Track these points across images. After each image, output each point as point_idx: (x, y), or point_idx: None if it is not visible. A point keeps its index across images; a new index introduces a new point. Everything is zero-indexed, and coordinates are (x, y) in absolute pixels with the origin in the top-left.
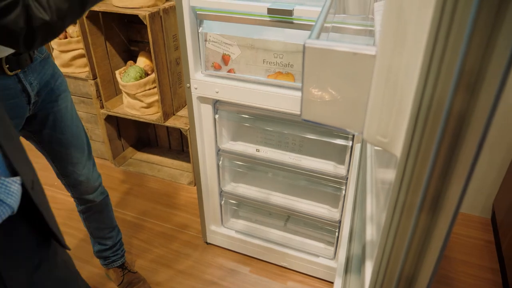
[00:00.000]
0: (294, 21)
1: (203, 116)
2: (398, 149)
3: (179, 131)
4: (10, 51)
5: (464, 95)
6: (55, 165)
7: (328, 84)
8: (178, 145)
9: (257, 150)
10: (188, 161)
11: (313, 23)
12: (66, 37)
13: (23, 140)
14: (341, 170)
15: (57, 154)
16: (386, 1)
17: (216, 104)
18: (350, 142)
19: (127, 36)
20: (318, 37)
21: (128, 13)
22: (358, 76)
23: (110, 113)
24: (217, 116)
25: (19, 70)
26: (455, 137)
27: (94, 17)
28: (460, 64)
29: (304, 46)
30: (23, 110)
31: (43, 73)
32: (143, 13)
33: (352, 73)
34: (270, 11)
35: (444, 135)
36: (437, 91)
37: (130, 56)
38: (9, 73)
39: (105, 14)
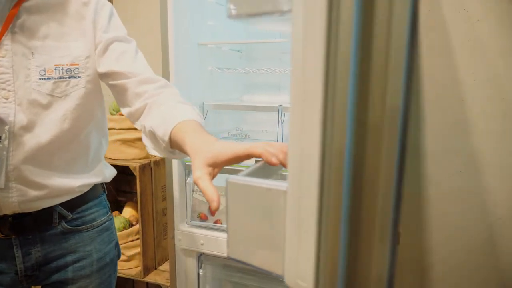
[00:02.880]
0: None
1: (187, 271)
2: None
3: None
4: (7, 210)
5: None
6: None
7: (250, 220)
8: None
9: None
10: None
11: None
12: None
13: None
14: None
15: None
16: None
17: (201, 258)
18: None
19: (116, 186)
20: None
21: (120, 164)
22: (275, 213)
23: None
24: (201, 271)
25: (13, 236)
26: None
27: None
28: None
29: (226, 182)
30: (9, 280)
31: (60, 247)
32: (133, 165)
33: (269, 209)
34: None
35: None
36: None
37: (116, 206)
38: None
39: None
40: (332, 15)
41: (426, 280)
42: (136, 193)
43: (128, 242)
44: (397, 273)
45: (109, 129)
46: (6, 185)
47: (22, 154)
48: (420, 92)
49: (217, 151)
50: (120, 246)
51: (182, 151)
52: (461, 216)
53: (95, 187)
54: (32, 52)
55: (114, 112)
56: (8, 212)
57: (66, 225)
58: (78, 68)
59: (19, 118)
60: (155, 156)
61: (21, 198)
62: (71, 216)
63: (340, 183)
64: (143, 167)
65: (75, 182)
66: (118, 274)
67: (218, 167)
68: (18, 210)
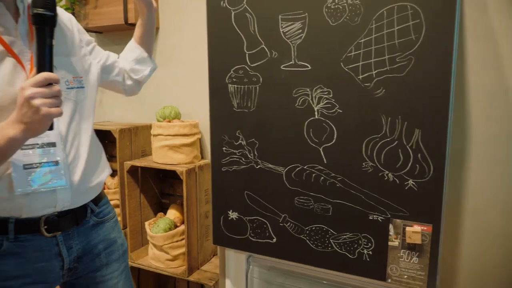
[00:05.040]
0: None
1: (233, 270)
2: None
3: (200, 287)
4: (50, 210)
5: None
6: None
7: None
8: None
9: None
10: None
11: None
12: (104, 189)
13: None
14: None
15: None
16: None
17: (249, 259)
18: None
19: (160, 189)
20: None
21: (167, 169)
22: None
23: (133, 265)
24: (249, 272)
25: (59, 232)
26: None
27: (133, 171)
28: None
29: None
30: (54, 276)
31: (92, 238)
32: (180, 169)
33: None
34: None
35: None
36: None
37: (160, 208)
38: (46, 234)
39: (144, 168)
40: None
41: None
42: (178, 196)
43: (173, 242)
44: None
45: (157, 135)
46: (67, 183)
47: (73, 156)
48: (466, 100)
49: None
50: (166, 246)
51: (143, 33)
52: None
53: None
54: (55, 66)
55: (161, 119)
56: (60, 208)
57: (95, 218)
58: (82, 80)
59: (62, 122)
60: (199, 160)
61: (74, 194)
62: (97, 210)
63: None
64: (189, 172)
65: (101, 178)
66: (164, 272)
67: None
68: (69, 206)
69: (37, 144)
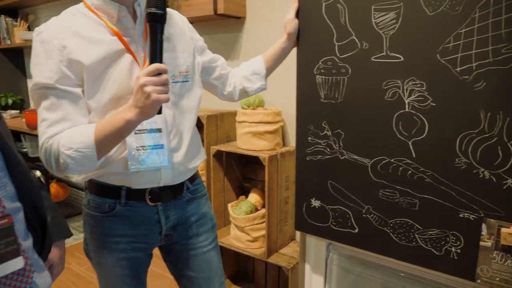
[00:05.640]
0: None
1: (313, 256)
2: None
3: (277, 269)
4: (154, 184)
5: None
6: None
7: None
8: (275, 284)
9: None
10: None
11: None
12: None
13: None
14: None
15: (184, 284)
16: None
17: (329, 247)
18: None
19: (242, 174)
20: None
21: (250, 154)
22: None
23: None
24: (329, 259)
25: (160, 203)
26: None
27: (219, 156)
28: None
29: None
30: (153, 239)
31: (186, 211)
32: (263, 156)
33: None
34: None
35: None
36: None
37: (242, 191)
38: (149, 203)
39: (228, 153)
40: None
41: None
42: (260, 180)
43: (254, 224)
44: None
45: (241, 122)
46: (169, 164)
47: (176, 141)
48: None
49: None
50: (247, 228)
51: (275, 56)
52: None
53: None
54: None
55: (246, 107)
56: (162, 184)
57: (189, 194)
58: (187, 75)
59: (168, 113)
60: (281, 147)
61: (174, 173)
62: (192, 187)
63: None
64: (271, 158)
65: (197, 163)
66: (244, 252)
67: None
68: (170, 183)
69: (146, 129)
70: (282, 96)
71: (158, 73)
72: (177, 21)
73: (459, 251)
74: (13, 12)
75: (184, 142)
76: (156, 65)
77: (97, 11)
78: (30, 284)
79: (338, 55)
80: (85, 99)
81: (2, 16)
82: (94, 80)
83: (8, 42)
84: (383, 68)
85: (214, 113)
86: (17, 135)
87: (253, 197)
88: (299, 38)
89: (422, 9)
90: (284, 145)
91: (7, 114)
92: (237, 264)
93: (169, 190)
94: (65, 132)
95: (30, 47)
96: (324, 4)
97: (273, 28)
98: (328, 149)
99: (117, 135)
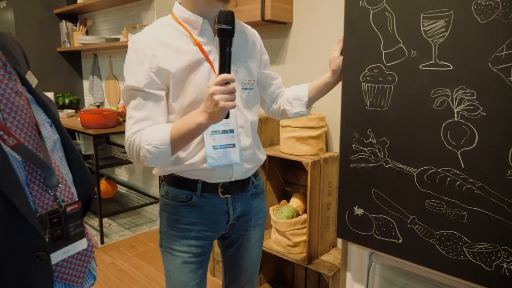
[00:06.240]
0: None
1: (355, 264)
2: None
3: (317, 276)
4: (226, 179)
5: None
6: (225, 275)
7: None
8: None
9: None
10: None
11: None
12: None
13: None
14: None
15: (230, 269)
16: None
17: (372, 256)
18: None
19: (284, 178)
20: None
21: (293, 159)
22: None
23: None
24: (371, 268)
25: (230, 195)
26: None
27: None
28: None
29: None
30: (220, 228)
31: (249, 204)
32: (306, 161)
33: None
34: None
35: None
36: None
37: (283, 195)
38: (221, 196)
39: (271, 157)
40: None
41: None
42: (302, 185)
43: (295, 229)
44: None
45: (285, 126)
46: (241, 160)
47: (245, 140)
48: None
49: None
50: (288, 232)
51: (319, 89)
52: None
53: None
54: (236, 70)
55: None
56: (233, 179)
57: (253, 188)
58: (254, 83)
59: (239, 115)
60: (324, 153)
61: (244, 169)
62: (256, 182)
63: None
64: (314, 163)
65: (261, 160)
66: (284, 257)
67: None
68: (239, 177)
69: (221, 130)
70: (327, 101)
71: (226, 82)
72: (251, 34)
73: (511, 267)
74: (73, 18)
75: (251, 141)
76: (224, 76)
77: (183, 23)
78: (90, 264)
79: (385, 62)
80: (170, 101)
81: (63, 21)
82: (177, 85)
83: (68, 45)
84: (431, 76)
85: (259, 117)
86: (72, 133)
87: (295, 202)
88: (345, 45)
89: (473, 17)
90: (327, 150)
91: (64, 113)
92: (277, 268)
93: (238, 184)
94: (146, 129)
95: (87, 50)
96: (371, 12)
97: (319, 33)
98: (372, 157)
99: (189, 136)
